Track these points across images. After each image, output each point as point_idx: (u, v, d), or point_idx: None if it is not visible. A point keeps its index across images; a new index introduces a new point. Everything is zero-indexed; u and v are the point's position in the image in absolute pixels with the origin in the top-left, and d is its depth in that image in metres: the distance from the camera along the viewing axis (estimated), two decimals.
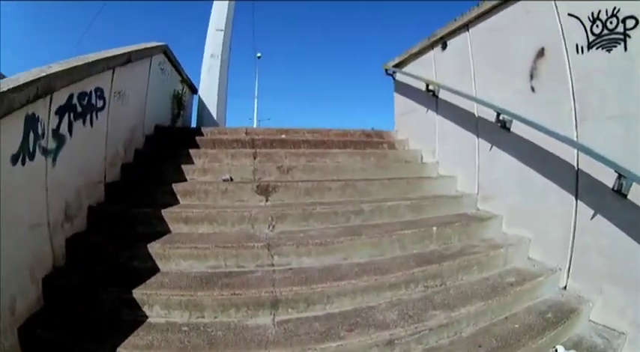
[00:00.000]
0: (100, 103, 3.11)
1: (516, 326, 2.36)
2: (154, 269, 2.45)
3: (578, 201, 2.82)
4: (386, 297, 2.43)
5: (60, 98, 2.48)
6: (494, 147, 3.74)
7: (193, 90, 7.00)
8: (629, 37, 2.49)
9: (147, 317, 2.12)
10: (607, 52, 2.65)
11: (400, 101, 5.36)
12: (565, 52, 2.97)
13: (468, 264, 2.78)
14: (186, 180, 3.59)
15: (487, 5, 3.77)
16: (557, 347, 2.28)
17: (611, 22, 2.60)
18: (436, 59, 4.60)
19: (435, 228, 3.10)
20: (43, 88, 2.17)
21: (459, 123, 4.22)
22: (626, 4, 2.51)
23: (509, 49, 3.57)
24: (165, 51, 4.82)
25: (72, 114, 2.65)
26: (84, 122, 2.85)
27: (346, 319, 2.18)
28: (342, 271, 2.52)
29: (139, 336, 1.95)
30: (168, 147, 4.23)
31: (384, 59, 5.55)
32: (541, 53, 3.22)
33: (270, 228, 2.97)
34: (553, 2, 3.08)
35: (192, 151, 3.94)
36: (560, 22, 3.02)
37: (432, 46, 4.65)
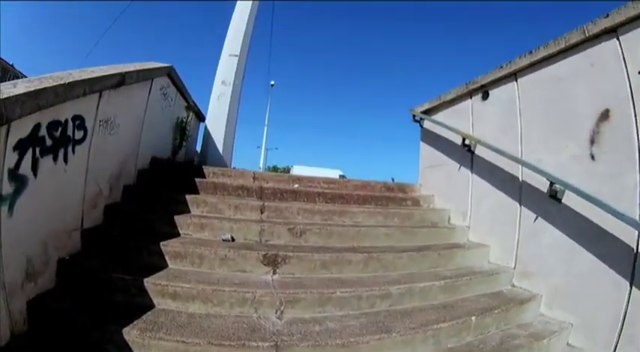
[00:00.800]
0: (79, 134, 2.55)
1: None
2: None
3: (633, 288, 2.44)
4: None
5: (21, 129, 1.94)
6: (539, 219, 3.22)
7: (200, 117, 6.51)
8: None
9: None
10: None
11: (427, 152, 4.83)
12: (634, 117, 2.54)
13: None
14: (179, 234, 2.98)
15: (542, 53, 3.31)
16: None
17: None
18: (474, 109, 4.12)
19: (474, 318, 2.55)
20: None
21: (499, 185, 3.69)
22: None
23: (566, 106, 3.10)
24: (170, 73, 4.32)
25: (38, 150, 2.10)
26: (55, 158, 2.30)
27: None
28: None
29: None
30: (163, 186, 3.65)
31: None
32: (605, 115, 2.76)
33: (279, 314, 2.33)
34: (621, 56, 2.64)
35: (189, 197, 3.34)
36: (629, 80, 2.58)
37: (469, 95, 4.17)
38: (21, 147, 1.95)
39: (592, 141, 2.82)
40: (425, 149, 4.89)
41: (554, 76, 3.24)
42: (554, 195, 2.96)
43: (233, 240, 2.94)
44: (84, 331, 2.02)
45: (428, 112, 4.80)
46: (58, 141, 2.30)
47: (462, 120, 4.21)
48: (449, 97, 4.42)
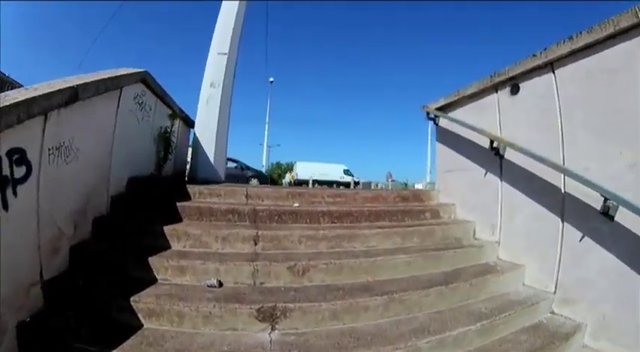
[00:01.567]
0: (19, 171, 2.02)
1: None
2: None
3: None
4: None
5: None
6: (586, 238, 2.74)
7: (190, 124, 5.92)
8: None
9: None
10: None
11: (445, 155, 4.24)
12: None
13: None
14: (155, 280, 2.44)
15: (585, 39, 2.73)
16: None
17: None
18: (502, 106, 3.53)
19: None
20: None
21: (536, 196, 3.14)
22: None
23: (619, 104, 2.56)
24: (145, 79, 3.74)
25: None
26: None
27: None
28: None
29: None
30: (141, 214, 3.10)
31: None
32: None
33: None
34: None
35: (168, 228, 2.79)
36: None
37: (495, 88, 3.58)
38: None
39: None
40: (442, 151, 4.30)
41: (602, 66, 2.67)
42: (605, 212, 2.46)
43: (220, 285, 2.39)
44: None
45: (444, 109, 4.21)
46: None
47: (487, 117, 3.63)
48: (469, 91, 3.82)
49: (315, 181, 26.63)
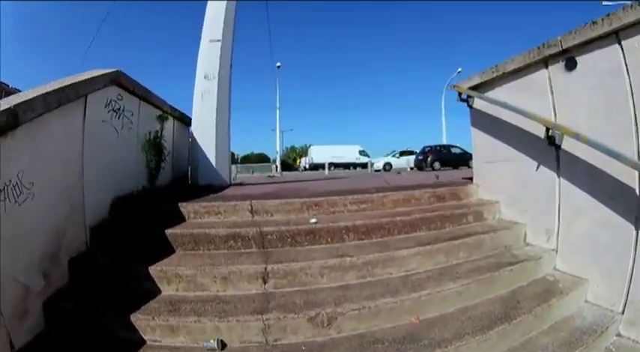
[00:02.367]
0: None
1: None
2: None
3: None
4: None
5: None
6: None
7: (188, 122, 5.32)
8: None
9: None
10: None
11: (483, 142, 3.56)
12: None
13: None
14: (143, 342, 1.91)
15: None
16: None
17: None
18: (555, 84, 2.84)
19: None
20: None
21: (603, 199, 2.52)
22: None
23: None
24: (120, 81, 3.10)
25: None
26: None
27: None
28: None
29: None
30: (125, 246, 2.56)
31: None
32: None
33: None
34: None
35: (155, 269, 2.23)
36: None
37: (545, 63, 2.88)
38: None
39: None
40: (479, 138, 3.60)
41: None
42: None
43: (224, 346, 1.85)
44: None
45: (479, 88, 3.49)
46: None
47: (534, 98, 2.96)
48: (511, 67, 3.10)
49: (330, 164, 26.05)
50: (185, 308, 2.01)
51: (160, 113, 4.21)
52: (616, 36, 2.37)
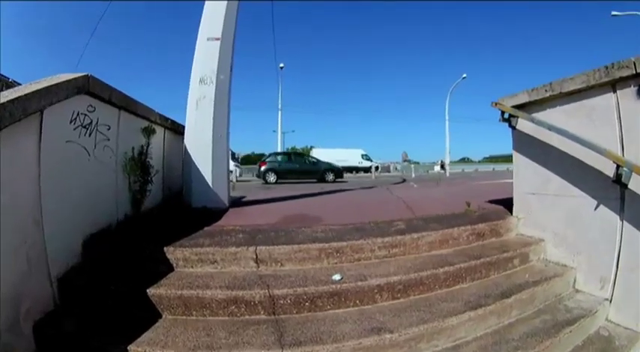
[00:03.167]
0: None
1: None
2: None
3: None
4: None
5: None
6: None
7: (182, 132, 4.67)
8: None
9: None
10: None
11: (528, 169, 3.06)
12: None
13: None
14: None
15: None
16: None
17: None
18: (623, 111, 2.35)
19: None
20: None
21: None
22: None
23: None
24: (90, 89, 2.48)
25: None
26: None
27: None
28: None
29: None
30: (96, 308, 1.99)
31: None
32: None
33: None
34: None
35: (132, 349, 1.67)
36: None
37: (612, 86, 2.39)
38: None
39: None
40: (523, 164, 3.09)
41: None
42: None
43: None
44: None
45: (525, 107, 2.98)
46: None
47: (596, 126, 2.50)
48: (570, 87, 2.61)
49: None
50: None
51: (147, 125, 3.61)
52: None
